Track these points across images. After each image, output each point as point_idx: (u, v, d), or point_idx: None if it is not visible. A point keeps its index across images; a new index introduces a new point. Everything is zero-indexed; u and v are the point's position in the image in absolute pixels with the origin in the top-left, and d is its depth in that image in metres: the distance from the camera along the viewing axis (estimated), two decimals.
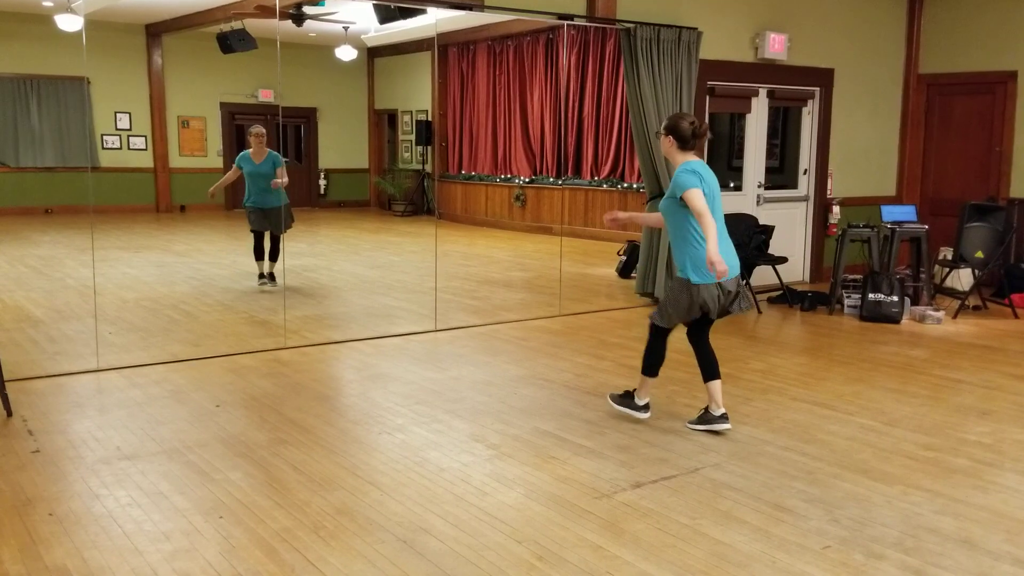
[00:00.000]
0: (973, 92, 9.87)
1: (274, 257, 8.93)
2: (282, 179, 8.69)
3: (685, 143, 4.57)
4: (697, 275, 4.55)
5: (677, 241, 4.64)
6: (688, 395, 5.41)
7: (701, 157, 4.75)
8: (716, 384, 4.78)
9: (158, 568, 3.26)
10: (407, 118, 16.91)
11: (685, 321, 4.75)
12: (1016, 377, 6.09)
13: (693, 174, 4.46)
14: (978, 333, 7.51)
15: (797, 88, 9.37)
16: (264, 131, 8.89)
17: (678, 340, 5.02)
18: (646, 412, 4.89)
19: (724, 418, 4.76)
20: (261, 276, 8.94)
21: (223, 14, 11.43)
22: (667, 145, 4.63)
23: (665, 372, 4.96)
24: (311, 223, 14.23)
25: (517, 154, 15.42)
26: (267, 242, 8.89)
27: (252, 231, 8.87)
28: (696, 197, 4.40)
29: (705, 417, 4.79)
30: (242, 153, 8.82)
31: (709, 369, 4.80)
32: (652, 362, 4.82)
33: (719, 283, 4.55)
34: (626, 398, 4.93)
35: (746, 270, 8.34)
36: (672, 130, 4.58)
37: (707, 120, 8.64)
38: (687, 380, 5.59)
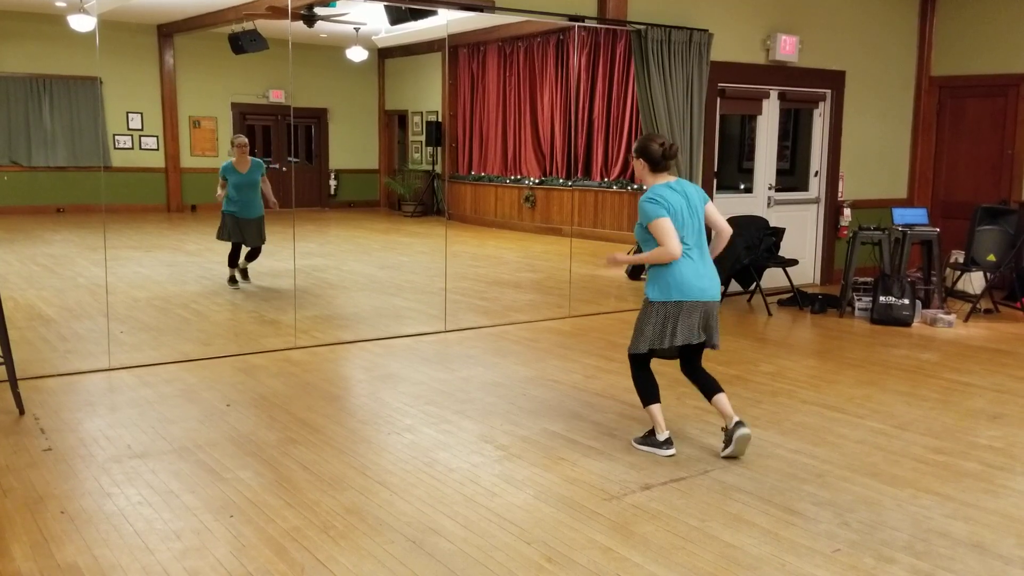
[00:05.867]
0: (985, 95, 9.83)
1: (251, 257, 9.00)
2: (273, 201, 8.77)
3: (656, 165, 4.46)
4: (657, 292, 4.42)
5: (652, 267, 4.52)
6: (698, 398, 5.38)
7: (688, 177, 4.64)
8: (721, 398, 4.59)
9: (168, 566, 3.27)
10: (417, 119, 16.92)
11: (660, 348, 4.51)
12: None
13: (654, 202, 4.37)
14: (989, 336, 7.48)
15: (808, 90, 9.35)
16: (247, 140, 8.92)
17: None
18: (669, 448, 4.52)
19: (740, 424, 4.56)
20: (233, 280, 8.96)
21: (235, 15, 11.46)
22: (639, 168, 4.53)
23: (673, 374, 4.93)
24: (321, 223, 14.25)
25: (527, 155, 15.41)
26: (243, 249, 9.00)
27: (231, 242, 8.87)
28: (661, 228, 4.32)
29: (727, 436, 4.55)
30: (225, 164, 8.82)
31: (707, 389, 4.63)
32: (645, 391, 4.61)
33: (681, 303, 4.38)
34: (647, 436, 4.65)
35: (756, 272, 8.33)
36: (642, 152, 4.47)
37: (718, 121, 8.64)
38: None
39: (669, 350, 4.55)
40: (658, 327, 4.44)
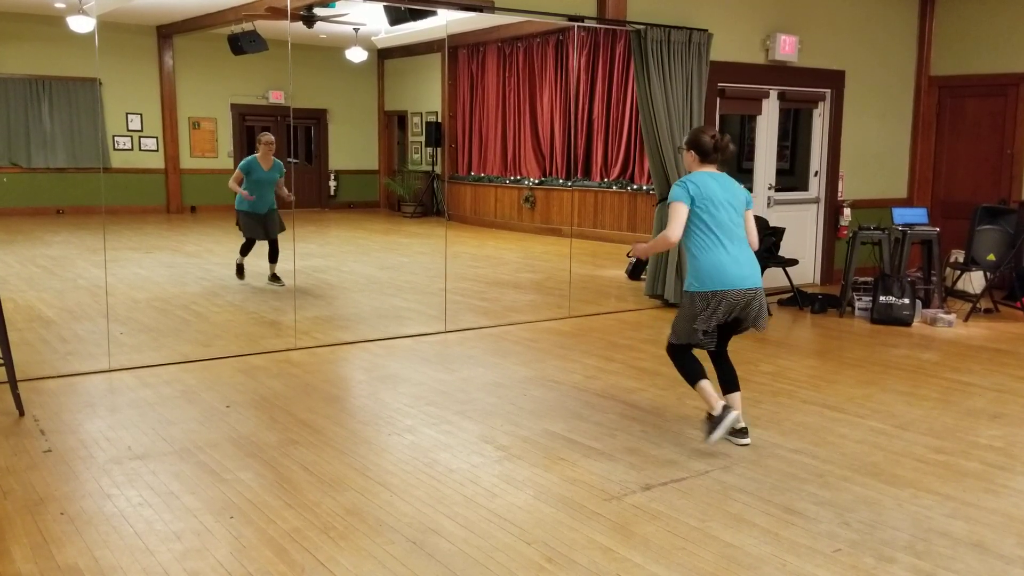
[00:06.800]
0: (985, 94, 9.84)
1: (274, 259, 9.03)
2: (288, 194, 8.80)
3: (706, 156, 4.53)
4: (697, 282, 4.45)
5: (688, 258, 4.58)
6: (698, 398, 5.38)
7: (723, 168, 4.68)
8: (735, 398, 4.68)
9: (169, 568, 3.27)
10: (417, 120, 16.93)
11: (699, 339, 4.53)
12: None
13: (681, 186, 4.45)
14: (989, 336, 7.48)
15: (808, 90, 9.35)
16: (274, 139, 8.96)
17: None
18: (730, 412, 4.46)
19: (744, 433, 4.65)
20: (240, 270, 9.06)
21: (234, 15, 11.46)
22: (689, 159, 4.60)
23: (673, 375, 4.93)
24: (321, 224, 14.26)
25: (527, 155, 15.42)
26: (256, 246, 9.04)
27: (245, 237, 8.97)
28: (674, 211, 4.41)
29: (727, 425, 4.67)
30: (249, 158, 8.84)
31: (727, 382, 4.70)
32: (689, 371, 4.61)
33: (720, 292, 4.39)
34: (710, 423, 4.53)
35: None
36: (693, 144, 4.56)
37: (718, 121, 8.64)
38: None
39: (707, 339, 4.54)
40: (700, 316, 4.45)
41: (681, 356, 4.67)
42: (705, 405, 4.61)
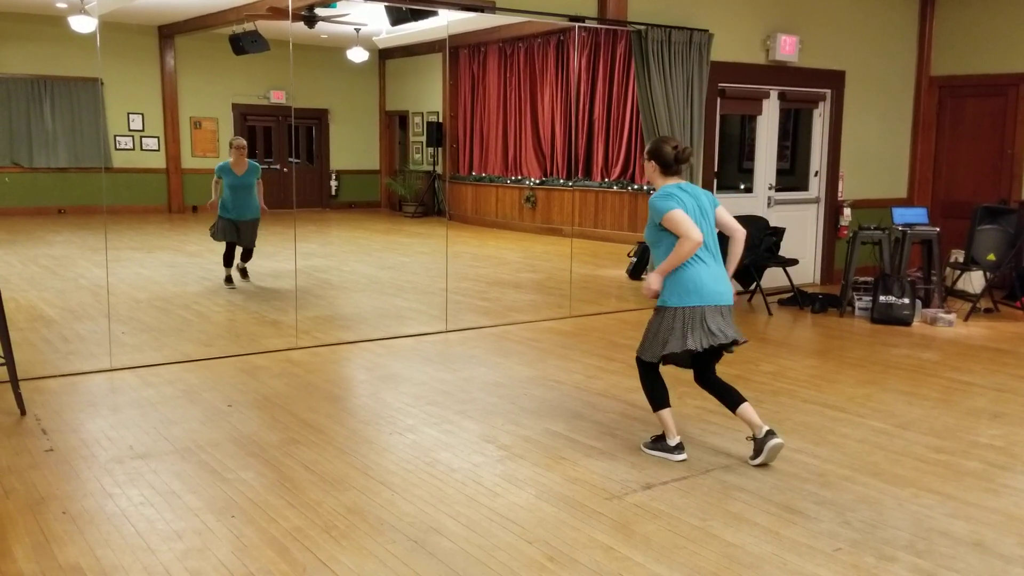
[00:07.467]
0: (985, 94, 9.84)
1: (246, 259, 9.06)
2: (261, 203, 8.81)
3: (668, 167, 4.38)
4: (676, 298, 4.29)
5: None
6: (699, 396, 5.38)
7: (689, 178, 4.54)
8: (746, 408, 4.44)
9: (170, 567, 3.28)
10: (418, 120, 16.93)
11: (672, 357, 4.39)
12: None
13: (668, 197, 4.29)
14: (990, 336, 7.48)
15: (808, 90, 9.36)
16: (245, 143, 8.96)
17: None
18: (681, 453, 4.43)
19: (772, 434, 4.40)
20: (229, 280, 9.00)
21: (235, 16, 11.47)
22: (650, 170, 4.45)
23: (675, 373, 4.93)
24: (322, 224, 14.26)
25: (527, 156, 15.42)
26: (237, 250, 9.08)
27: (225, 242, 8.92)
28: (677, 219, 4.21)
29: (757, 445, 4.41)
30: (222, 164, 8.85)
31: (730, 399, 4.49)
32: (654, 395, 4.50)
33: (702, 307, 4.25)
34: (657, 441, 4.53)
35: (756, 272, 8.34)
36: (655, 155, 4.40)
37: (718, 121, 8.64)
38: None
39: (684, 357, 4.43)
40: (675, 333, 4.30)
41: (650, 375, 4.51)
42: (662, 427, 4.52)
